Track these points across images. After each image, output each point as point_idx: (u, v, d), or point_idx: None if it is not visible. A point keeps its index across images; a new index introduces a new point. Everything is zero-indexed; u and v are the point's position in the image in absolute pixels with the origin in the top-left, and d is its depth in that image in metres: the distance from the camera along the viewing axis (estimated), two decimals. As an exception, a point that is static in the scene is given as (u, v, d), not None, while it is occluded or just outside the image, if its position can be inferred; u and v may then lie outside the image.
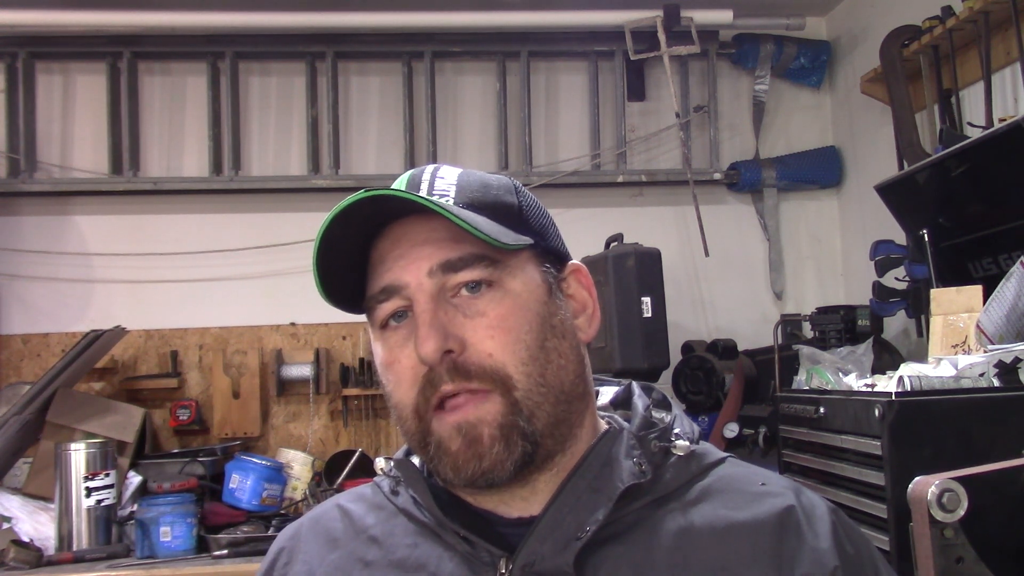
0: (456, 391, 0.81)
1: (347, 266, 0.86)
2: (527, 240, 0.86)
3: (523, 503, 0.85)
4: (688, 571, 0.80)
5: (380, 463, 0.95)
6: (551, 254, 0.90)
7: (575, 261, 0.93)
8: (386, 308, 0.84)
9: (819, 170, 3.45)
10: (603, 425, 0.91)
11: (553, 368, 0.83)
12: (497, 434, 0.80)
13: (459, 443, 0.80)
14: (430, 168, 0.89)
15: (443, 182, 0.86)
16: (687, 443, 0.87)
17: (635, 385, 0.97)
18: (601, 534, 0.81)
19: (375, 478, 0.96)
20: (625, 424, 0.90)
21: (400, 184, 0.88)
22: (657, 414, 0.92)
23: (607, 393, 0.98)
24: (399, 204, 0.81)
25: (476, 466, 0.80)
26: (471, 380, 0.80)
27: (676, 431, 0.89)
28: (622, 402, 0.97)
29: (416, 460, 0.92)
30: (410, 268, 0.82)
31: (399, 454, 0.94)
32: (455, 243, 0.82)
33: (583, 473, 0.84)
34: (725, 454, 0.91)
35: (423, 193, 0.85)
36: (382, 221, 0.85)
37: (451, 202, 0.84)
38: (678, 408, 0.94)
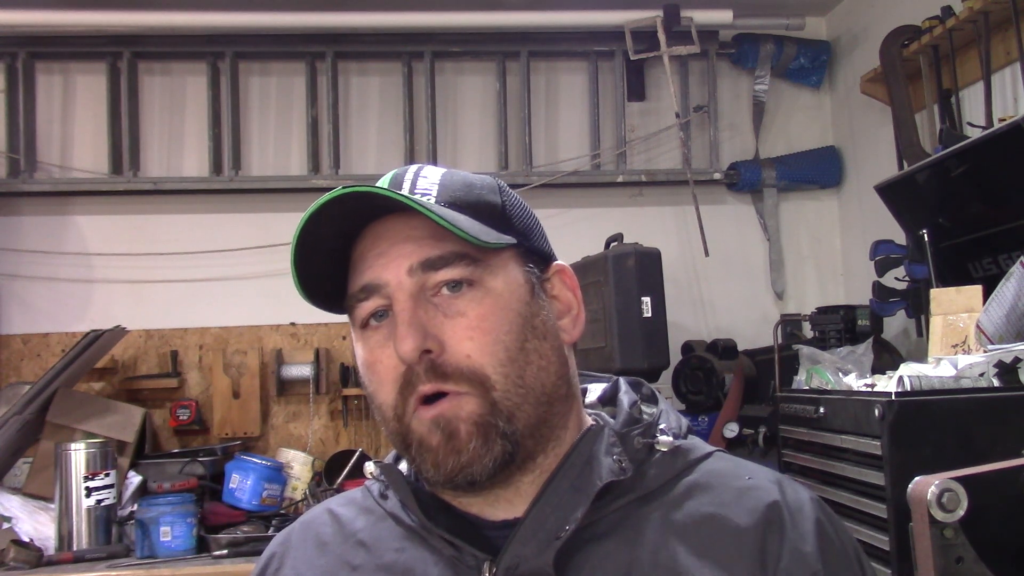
0: (434, 391, 0.80)
1: (329, 265, 0.85)
2: (509, 239, 0.85)
3: (508, 505, 0.85)
4: (672, 570, 0.80)
5: (370, 467, 0.95)
6: (535, 254, 0.89)
7: (560, 262, 0.92)
8: (366, 307, 0.84)
9: (819, 170, 3.45)
10: (588, 422, 0.90)
11: (533, 369, 0.83)
12: (474, 430, 0.80)
13: (438, 438, 0.80)
14: (413, 168, 0.89)
15: (425, 181, 0.86)
16: (671, 439, 0.87)
17: (622, 381, 0.96)
18: (584, 534, 0.81)
19: (366, 482, 0.96)
20: (609, 420, 0.89)
21: (383, 183, 0.87)
22: (646, 410, 0.92)
23: (595, 390, 0.98)
24: (380, 202, 0.81)
25: (455, 461, 0.80)
26: (448, 381, 0.80)
27: (661, 427, 0.88)
28: (609, 399, 0.96)
29: (403, 466, 0.92)
30: (390, 266, 0.82)
31: (387, 459, 0.94)
32: (436, 241, 0.82)
33: (565, 473, 0.84)
34: (712, 448, 0.90)
35: (405, 192, 0.84)
36: (363, 219, 0.85)
37: (432, 201, 0.83)
38: (665, 403, 0.94)
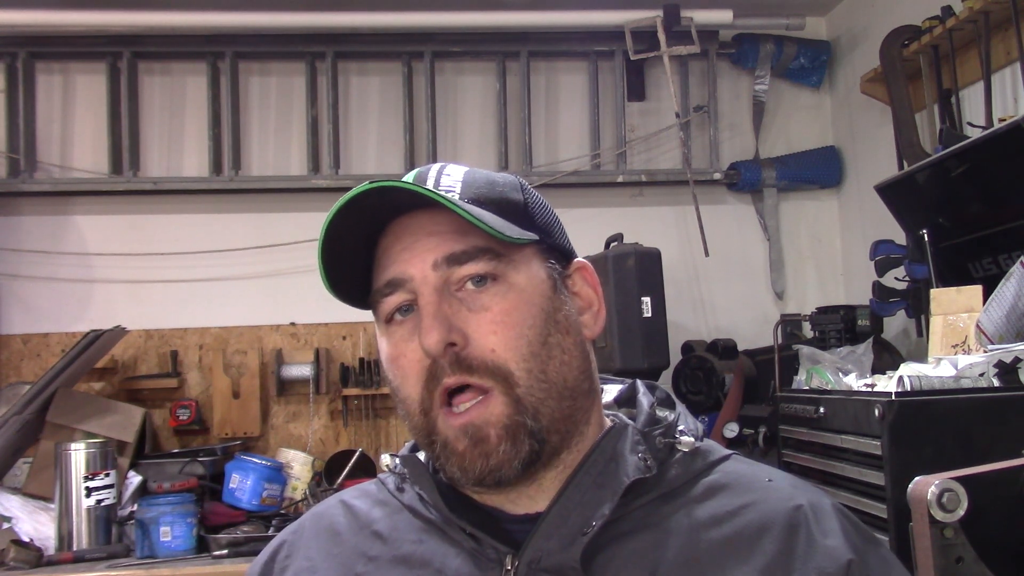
0: (458, 384, 0.81)
1: (353, 261, 0.86)
2: (532, 236, 0.86)
3: (529, 500, 0.85)
4: (696, 568, 0.80)
5: (386, 459, 0.95)
6: (556, 251, 0.90)
7: (581, 259, 0.93)
8: (391, 302, 0.84)
9: (819, 170, 3.45)
10: (607, 422, 0.91)
11: (556, 364, 0.83)
12: (504, 433, 0.80)
13: (465, 444, 0.81)
14: (436, 166, 0.89)
15: (449, 179, 0.87)
16: (692, 439, 0.87)
17: (639, 383, 0.97)
18: (608, 531, 0.81)
19: (380, 475, 0.97)
20: (629, 421, 0.90)
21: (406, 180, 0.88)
22: (661, 412, 0.93)
23: (611, 391, 0.99)
24: (404, 197, 0.82)
25: (483, 464, 0.80)
26: (473, 374, 0.81)
27: (680, 428, 0.89)
28: (626, 400, 0.97)
29: (422, 456, 0.92)
30: (415, 261, 0.83)
31: (405, 450, 0.94)
32: (460, 236, 0.82)
33: (588, 469, 0.84)
34: (730, 451, 0.91)
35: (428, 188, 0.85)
36: (387, 216, 0.85)
37: (456, 197, 0.84)
38: (682, 406, 0.95)
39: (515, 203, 0.88)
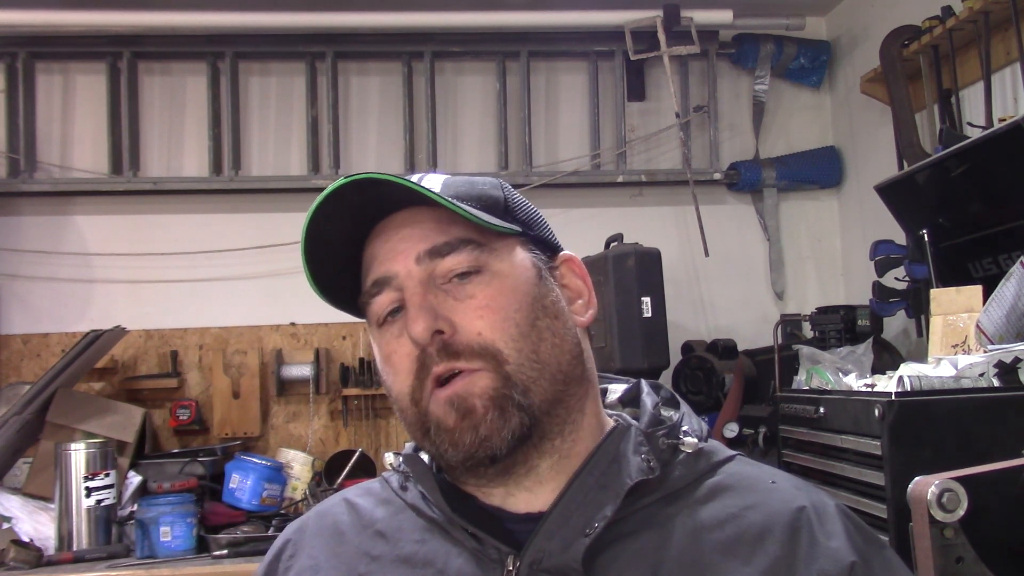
0: (447, 371, 0.81)
1: (341, 266, 0.87)
2: (514, 227, 0.87)
3: (529, 495, 0.85)
4: (698, 569, 0.80)
5: (389, 458, 0.95)
6: (541, 244, 0.91)
7: (568, 252, 0.94)
8: (379, 301, 0.85)
9: (819, 170, 3.45)
10: (610, 422, 0.91)
11: (547, 346, 0.84)
12: (490, 404, 0.81)
13: (454, 417, 0.81)
14: (417, 175, 0.91)
15: (429, 181, 0.88)
16: (695, 440, 0.87)
17: (643, 383, 0.97)
18: (610, 532, 0.81)
19: (383, 473, 0.97)
20: (633, 422, 0.90)
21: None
22: (665, 412, 0.93)
23: (615, 391, 0.99)
24: (387, 194, 0.83)
25: (473, 436, 0.80)
26: (460, 359, 0.81)
27: (684, 428, 0.89)
28: (630, 400, 0.97)
29: (425, 456, 0.92)
30: (398, 258, 0.84)
31: (408, 449, 0.94)
32: (441, 229, 0.84)
33: (591, 470, 0.84)
34: (734, 452, 0.91)
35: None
36: (369, 216, 0.87)
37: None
38: (686, 406, 0.94)
39: (495, 199, 0.89)
